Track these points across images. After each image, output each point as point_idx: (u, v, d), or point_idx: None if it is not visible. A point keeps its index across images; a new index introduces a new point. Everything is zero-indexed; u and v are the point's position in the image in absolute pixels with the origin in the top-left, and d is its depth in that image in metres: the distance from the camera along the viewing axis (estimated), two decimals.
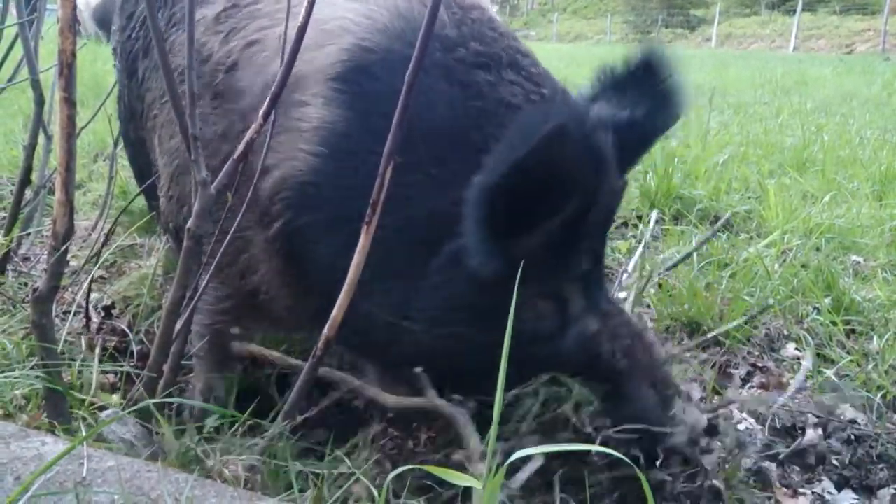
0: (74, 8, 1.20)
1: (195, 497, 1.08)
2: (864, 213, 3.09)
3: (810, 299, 2.26)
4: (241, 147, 1.25)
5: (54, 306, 1.55)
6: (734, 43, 30.71)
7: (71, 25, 1.19)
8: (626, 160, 1.30)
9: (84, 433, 1.23)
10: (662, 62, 1.31)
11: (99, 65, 6.82)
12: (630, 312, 1.70)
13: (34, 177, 2.03)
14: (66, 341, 1.67)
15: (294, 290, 1.36)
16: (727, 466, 1.44)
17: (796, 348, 2.02)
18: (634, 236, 2.83)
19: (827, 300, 2.20)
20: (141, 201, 2.10)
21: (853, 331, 2.13)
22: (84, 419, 1.33)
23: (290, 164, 1.26)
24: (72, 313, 1.82)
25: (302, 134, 1.25)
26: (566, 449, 1.20)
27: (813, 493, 1.47)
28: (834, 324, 2.09)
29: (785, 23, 29.84)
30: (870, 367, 1.88)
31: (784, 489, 1.47)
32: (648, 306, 2.22)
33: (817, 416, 1.70)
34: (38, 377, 1.34)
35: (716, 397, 1.78)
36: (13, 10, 1.88)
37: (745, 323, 2.06)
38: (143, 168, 1.79)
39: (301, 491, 1.21)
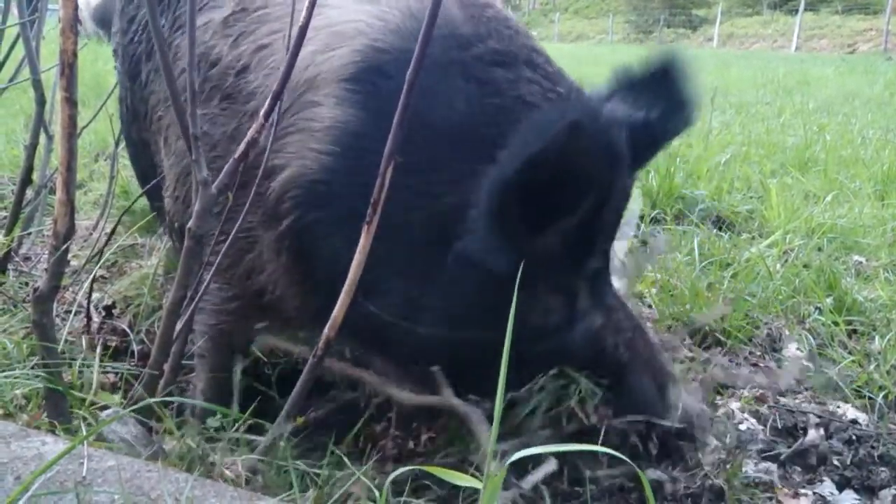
0: (76, 8, 1.20)
1: (195, 497, 1.08)
2: (867, 213, 3.09)
3: (812, 299, 2.25)
4: (241, 146, 1.25)
5: (55, 306, 1.55)
6: (736, 43, 30.69)
7: (72, 25, 1.19)
8: (637, 160, 1.31)
9: (84, 433, 1.23)
10: (680, 68, 1.32)
11: (100, 64, 6.82)
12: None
13: (35, 176, 2.04)
14: (66, 341, 1.67)
15: (303, 288, 1.37)
16: (728, 467, 1.44)
17: (798, 348, 2.02)
18: (636, 236, 2.82)
19: (829, 300, 2.20)
20: (142, 201, 2.10)
21: (855, 331, 2.13)
22: (84, 419, 1.33)
23: (301, 162, 1.27)
24: (72, 313, 1.82)
25: (314, 134, 1.26)
26: (568, 449, 1.20)
27: (814, 493, 1.47)
28: (836, 324, 2.08)
29: (787, 22, 29.82)
30: (871, 367, 1.88)
31: (785, 489, 1.47)
32: (650, 306, 2.21)
33: (819, 417, 1.69)
34: (38, 377, 1.34)
35: (717, 397, 1.78)
36: (14, 10, 1.88)
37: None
38: (145, 169, 1.79)
39: (302, 491, 1.21)
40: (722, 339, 2.05)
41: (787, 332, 2.08)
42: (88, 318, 1.84)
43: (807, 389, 1.85)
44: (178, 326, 1.37)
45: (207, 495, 1.09)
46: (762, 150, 4.46)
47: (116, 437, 1.29)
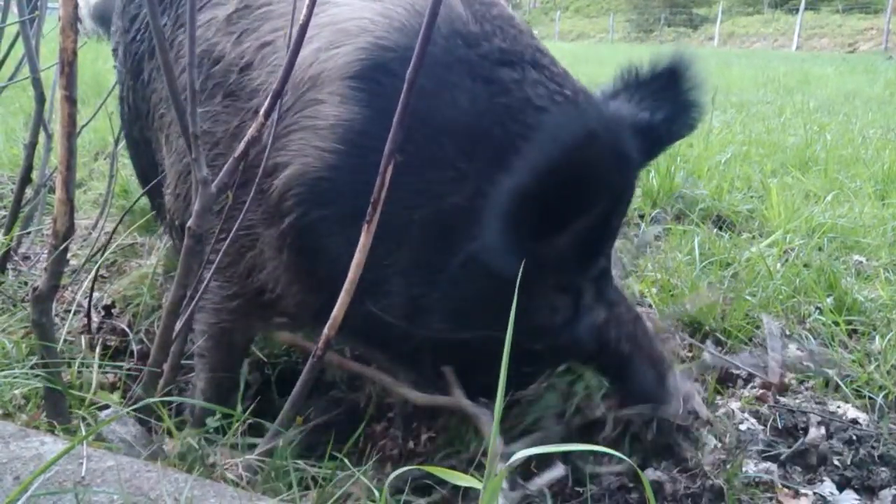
0: (76, 6, 1.20)
1: (195, 497, 1.07)
2: (867, 213, 3.08)
3: (812, 299, 2.25)
4: (242, 145, 1.25)
5: (54, 305, 1.55)
6: (737, 42, 30.67)
7: (72, 24, 1.19)
8: (641, 160, 1.32)
9: (83, 433, 1.23)
10: (687, 70, 1.33)
11: (100, 63, 6.81)
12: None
13: (35, 175, 2.03)
14: (65, 340, 1.67)
15: (304, 286, 1.37)
16: (728, 466, 1.44)
17: (798, 348, 2.01)
18: (636, 235, 2.82)
19: (829, 300, 2.20)
20: (142, 200, 2.10)
21: (855, 331, 2.13)
22: (83, 419, 1.33)
23: (304, 160, 1.27)
24: (72, 312, 1.82)
25: (318, 131, 1.26)
26: (572, 449, 1.21)
27: (815, 493, 1.47)
28: (836, 324, 2.08)
29: (788, 21, 29.81)
30: (872, 367, 1.87)
31: (786, 489, 1.47)
32: (650, 306, 2.21)
33: (819, 417, 1.69)
34: (37, 376, 1.34)
35: (717, 397, 1.78)
36: (14, 9, 1.88)
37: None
38: (145, 168, 1.79)
39: (302, 491, 1.21)
40: (722, 338, 2.05)
41: (766, 318, 2.07)
42: (88, 317, 1.84)
43: (807, 389, 1.85)
44: (178, 326, 1.37)
45: (207, 495, 1.09)
46: (763, 150, 4.45)
47: (116, 437, 1.29)
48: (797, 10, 28.01)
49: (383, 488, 1.08)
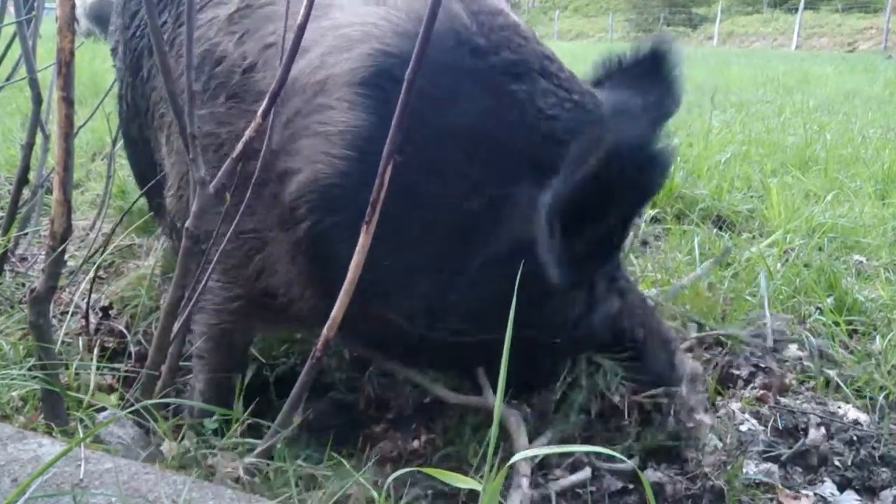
0: (73, 7, 1.20)
1: (193, 499, 1.07)
2: (867, 213, 3.08)
3: (812, 299, 2.25)
4: (239, 146, 1.24)
5: (52, 307, 1.55)
6: (736, 41, 30.67)
7: (69, 24, 1.19)
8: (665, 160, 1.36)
9: (81, 435, 1.23)
10: (667, 53, 1.36)
11: (97, 63, 6.81)
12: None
13: (32, 176, 2.03)
14: (63, 342, 1.67)
15: (318, 291, 1.37)
16: (729, 467, 1.44)
17: (799, 349, 2.01)
18: (636, 236, 2.82)
19: (829, 300, 2.19)
20: (139, 200, 2.09)
21: (855, 331, 2.12)
22: (81, 421, 1.32)
23: (315, 167, 1.27)
24: (69, 314, 1.81)
25: (328, 138, 1.26)
26: (575, 450, 1.22)
27: (815, 494, 1.46)
28: (836, 324, 2.08)
29: (787, 21, 29.81)
30: (872, 367, 1.87)
31: (786, 490, 1.46)
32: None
33: (819, 417, 1.69)
34: (35, 378, 1.33)
35: (718, 398, 1.77)
36: (11, 9, 1.87)
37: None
38: (144, 167, 1.78)
39: (300, 493, 1.20)
40: (722, 339, 2.04)
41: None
42: (87, 319, 1.83)
43: (808, 390, 1.85)
44: (176, 327, 1.36)
45: (206, 497, 1.09)
46: (762, 149, 4.45)
47: (114, 439, 1.29)
48: (796, 9, 28.00)
49: (383, 490, 1.08)
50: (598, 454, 1.43)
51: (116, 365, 1.64)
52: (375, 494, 1.14)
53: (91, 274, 1.82)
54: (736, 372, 1.89)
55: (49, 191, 1.58)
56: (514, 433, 1.39)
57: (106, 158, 2.63)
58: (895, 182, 3.64)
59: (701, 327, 2.05)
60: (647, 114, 1.32)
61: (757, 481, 1.47)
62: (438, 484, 1.32)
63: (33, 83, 1.80)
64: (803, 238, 2.74)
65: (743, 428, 1.66)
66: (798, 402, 1.78)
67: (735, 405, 1.74)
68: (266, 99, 1.18)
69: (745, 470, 1.48)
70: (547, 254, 1.17)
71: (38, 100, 1.84)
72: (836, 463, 1.56)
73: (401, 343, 1.41)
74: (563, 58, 1.38)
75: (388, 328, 1.34)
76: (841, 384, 1.81)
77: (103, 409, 1.41)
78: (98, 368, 1.55)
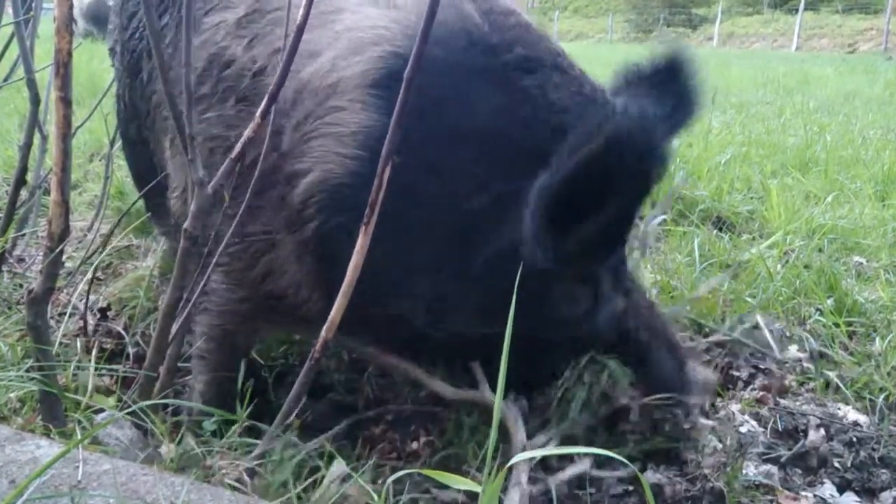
0: (71, 7, 1.19)
1: (191, 500, 1.07)
2: (867, 214, 3.07)
3: (812, 300, 2.24)
4: (238, 147, 1.24)
5: (49, 308, 1.54)
6: (736, 42, 30.70)
7: (68, 25, 1.18)
8: (666, 151, 1.35)
9: (79, 436, 1.22)
10: (686, 63, 1.35)
11: (95, 64, 6.81)
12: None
13: (29, 177, 2.02)
14: (61, 343, 1.66)
15: (326, 292, 1.37)
16: (729, 469, 1.44)
17: (798, 350, 2.01)
18: (636, 237, 2.81)
19: (829, 301, 2.19)
20: (137, 202, 2.09)
21: (855, 332, 2.12)
22: (79, 422, 1.32)
23: (325, 167, 1.28)
24: (67, 315, 1.81)
25: (340, 138, 1.27)
26: (570, 451, 1.21)
27: (815, 496, 1.46)
28: (836, 325, 2.07)
29: (787, 22, 29.83)
30: (872, 368, 1.87)
31: (786, 492, 1.46)
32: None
33: (819, 419, 1.69)
34: (33, 379, 1.33)
35: (717, 399, 1.77)
36: (9, 9, 1.87)
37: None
38: (142, 168, 1.78)
39: (298, 494, 1.20)
40: (723, 339, 2.04)
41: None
42: (85, 320, 1.83)
43: (808, 391, 1.85)
44: (174, 328, 1.36)
45: (204, 499, 1.08)
46: (762, 151, 4.44)
47: (112, 440, 1.29)
48: (797, 10, 28.03)
49: (382, 492, 1.08)
50: (597, 456, 1.42)
51: (114, 366, 1.64)
52: (374, 496, 1.14)
53: (89, 275, 1.82)
54: (736, 373, 1.89)
55: (47, 192, 1.58)
56: (512, 428, 1.38)
57: (104, 159, 2.63)
58: (895, 183, 3.64)
59: (700, 328, 2.05)
60: (660, 118, 1.32)
61: (757, 483, 1.47)
62: (437, 485, 1.31)
63: (31, 84, 1.80)
64: (803, 239, 2.73)
65: (743, 429, 1.65)
66: (798, 403, 1.78)
67: (735, 406, 1.74)
68: (265, 100, 1.18)
69: (744, 471, 1.48)
70: (532, 237, 1.17)
71: (35, 100, 1.83)
72: (836, 464, 1.56)
73: (405, 338, 1.41)
74: None
75: (393, 323, 1.35)
76: (841, 385, 1.81)
77: (101, 410, 1.40)
78: (96, 370, 1.55)
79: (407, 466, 1.25)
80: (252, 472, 1.24)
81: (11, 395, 1.42)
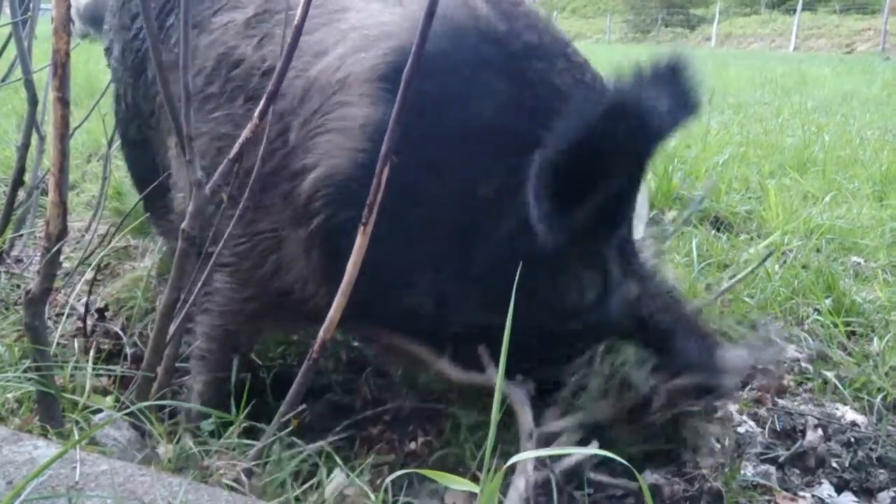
0: (69, 8, 1.19)
1: (189, 501, 1.07)
2: (865, 214, 3.08)
3: (811, 300, 2.25)
4: (236, 147, 1.24)
5: (47, 308, 1.54)
6: (734, 42, 30.73)
7: (65, 25, 1.18)
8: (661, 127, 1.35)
9: (77, 437, 1.22)
10: (685, 68, 1.35)
11: (92, 64, 6.80)
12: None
13: (27, 177, 2.02)
14: (58, 344, 1.66)
15: (333, 287, 1.37)
16: (727, 469, 1.44)
17: (797, 350, 2.01)
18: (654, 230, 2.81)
19: (827, 301, 2.19)
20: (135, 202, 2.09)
21: (853, 332, 2.12)
22: (77, 423, 1.32)
23: (332, 161, 1.28)
24: (65, 316, 1.80)
25: (347, 132, 1.27)
26: (567, 452, 1.20)
27: (813, 496, 1.46)
28: (834, 325, 2.08)
29: (785, 22, 29.87)
30: (870, 368, 1.87)
31: (784, 492, 1.46)
32: None
33: (817, 419, 1.69)
34: (30, 380, 1.32)
35: None
36: (6, 10, 1.86)
37: None
38: (142, 168, 1.77)
39: (297, 495, 1.20)
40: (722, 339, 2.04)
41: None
42: (83, 321, 1.83)
43: (806, 391, 1.85)
44: (172, 329, 1.36)
45: (201, 499, 1.08)
46: (760, 151, 4.45)
47: (109, 441, 1.28)
48: (794, 10, 28.07)
49: (380, 492, 1.08)
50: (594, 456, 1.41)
51: (112, 367, 1.63)
52: (373, 496, 1.14)
53: (87, 275, 1.81)
54: None
55: (44, 192, 1.58)
56: (519, 410, 1.36)
57: (102, 160, 2.63)
58: (893, 183, 3.64)
59: None
60: (659, 99, 1.32)
61: (755, 483, 1.47)
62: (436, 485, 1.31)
63: (29, 84, 1.80)
64: (801, 239, 2.74)
65: (741, 430, 1.65)
66: (796, 403, 1.78)
67: (732, 407, 1.74)
68: (263, 99, 1.18)
69: (742, 472, 1.48)
70: (534, 210, 1.16)
71: (33, 101, 1.83)
72: (834, 464, 1.56)
73: (415, 329, 1.41)
74: None
75: (401, 316, 1.36)
76: (839, 386, 1.81)
77: (99, 411, 1.40)
78: (94, 370, 1.55)
79: (405, 466, 1.25)
80: (250, 473, 1.24)
81: (9, 395, 1.42)
